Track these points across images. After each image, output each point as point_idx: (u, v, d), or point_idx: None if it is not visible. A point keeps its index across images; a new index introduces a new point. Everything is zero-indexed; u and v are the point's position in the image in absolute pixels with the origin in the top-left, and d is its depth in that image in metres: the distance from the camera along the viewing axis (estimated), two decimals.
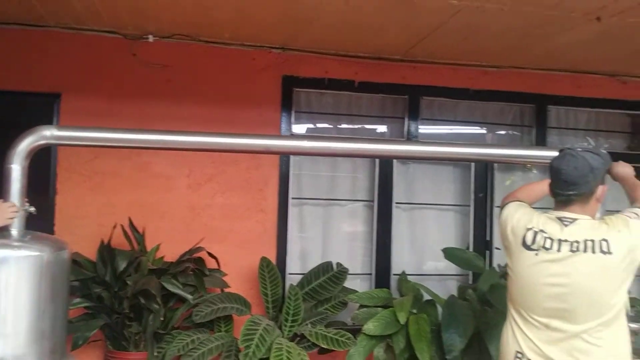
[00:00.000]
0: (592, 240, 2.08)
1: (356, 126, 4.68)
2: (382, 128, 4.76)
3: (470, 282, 4.55)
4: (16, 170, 2.53)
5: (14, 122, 3.82)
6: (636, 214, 2.15)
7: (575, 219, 2.15)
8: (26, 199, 2.58)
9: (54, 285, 2.47)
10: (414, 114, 4.59)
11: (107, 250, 3.92)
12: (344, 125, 4.67)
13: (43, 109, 4.17)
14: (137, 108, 4.19)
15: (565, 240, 2.11)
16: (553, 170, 2.22)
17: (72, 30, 4.08)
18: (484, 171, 4.65)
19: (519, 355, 2.18)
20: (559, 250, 2.11)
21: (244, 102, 4.34)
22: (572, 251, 2.10)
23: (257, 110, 4.36)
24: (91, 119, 4.06)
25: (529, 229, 2.21)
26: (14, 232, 2.50)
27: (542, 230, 2.18)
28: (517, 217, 2.29)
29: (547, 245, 2.14)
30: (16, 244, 2.45)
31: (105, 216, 4.13)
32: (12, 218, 2.46)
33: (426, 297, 4.16)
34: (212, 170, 4.30)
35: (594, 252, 2.06)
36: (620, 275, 2.07)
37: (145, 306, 3.78)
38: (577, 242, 2.10)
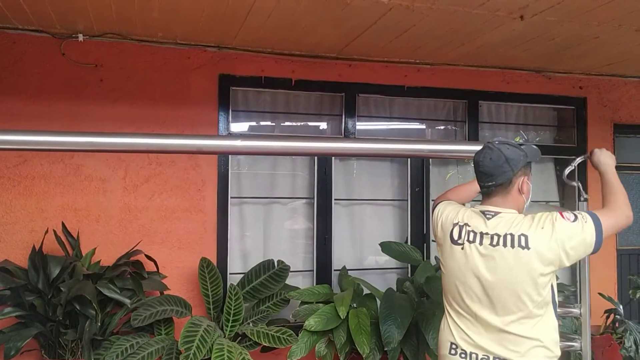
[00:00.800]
0: (512, 235, 2.11)
1: (296, 124, 4.70)
2: (321, 125, 4.79)
3: (409, 275, 4.65)
4: None
5: None
6: (575, 217, 2.11)
7: (497, 212, 2.20)
8: None
9: None
10: (351, 111, 4.65)
11: (39, 257, 3.79)
12: (283, 123, 4.68)
13: None
14: (69, 109, 4.08)
15: (487, 234, 2.16)
16: (474, 163, 2.30)
17: None
18: (420, 166, 4.76)
19: (453, 346, 2.24)
20: (481, 243, 2.16)
21: (181, 101, 4.28)
22: (492, 245, 2.14)
23: (194, 109, 4.31)
24: (18, 121, 3.94)
25: (455, 224, 2.27)
26: None
27: (466, 224, 2.23)
28: (446, 214, 2.35)
29: (471, 238, 2.19)
30: None
31: (36, 221, 4.01)
32: None
33: (366, 291, 4.22)
34: (148, 171, 4.23)
35: (512, 246, 2.10)
36: (539, 269, 2.08)
37: (80, 312, 3.69)
38: (498, 235, 2.13)
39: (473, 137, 4.90)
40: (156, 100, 4.25)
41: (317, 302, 4.07)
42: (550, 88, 5.12)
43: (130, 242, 4.12)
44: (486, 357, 2.15)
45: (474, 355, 2.18)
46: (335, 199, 4.61)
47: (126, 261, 3.99)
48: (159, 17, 3.69)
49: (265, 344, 3.80)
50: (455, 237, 2.25)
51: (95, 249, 4.04)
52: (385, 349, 3.73)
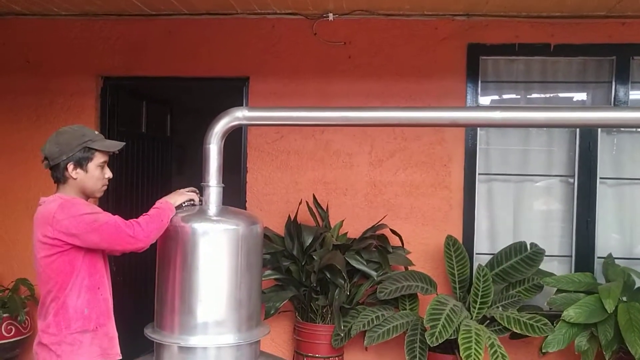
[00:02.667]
0: None
1: (549, 95, 4.27)
2: (581, 95, 4.28)
3: None
4: (213, 150, 2.65)
5: (208, 106, 4.14)
6: None
7: None
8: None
9: (248, 256, 2.56)
10: (623, 77, 4.04)
11: (294, 226, 4.06)
12: (535, 95, 4.29)
13: (233, 92, 4.42)
14: (319, 86, 4.26)
15: None
16: None
17: (257, 15, 4.25)
18: None
19: None
20: None
21: (426, 74, 4.18)
22: None
23: (440, 82, 4.17)
24: (276, 99, 4.24)
25: None
26: (213, 207, 2.64)
27: None
28: None
29: None
30: (215, 218, 2.58)
31: (291, 193, 4.28)
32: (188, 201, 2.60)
33: (639, 283, 3.68)
34: (393, 146, 4.23)
35: None
36: None
37: (331, 281, 3.85)
38: None
39: None
40: (402, 74, 4.20)
41: (576, 292, 3.67)
42: None
43: (375, 216, 4.16)
44: None
45: None
46: (600, 178, 4.08)
47: (372, 234, 4.04)
48: None
49: (515, 331, 3.56)
50: None
51: (342, 221, 4.17)
52: None
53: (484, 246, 4.24)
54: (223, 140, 2.70)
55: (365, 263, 3.89)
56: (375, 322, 3.74)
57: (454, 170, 4.17)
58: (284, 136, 4.30)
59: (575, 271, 4.02)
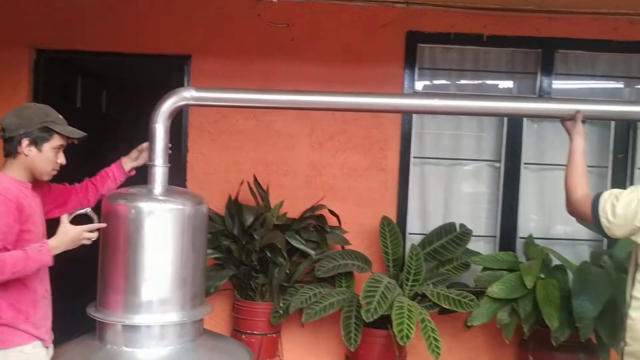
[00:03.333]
0: None
1: (478, 82, 4.48)
2: (508, 84, 4.52)
3: (605, 248, 4.27)
4: (160, 130, 2.68)
5: (147, 83, 4.07)
6: None
7: None
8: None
9: (194, 236, 2.62)
10: (548, 69, 4.30)
11: (234, 206, 4.09)
12: (466, 82, 4.48)
13: (174, 70, 4.37)
14: (262, 68, 4.27)
15: None
16: None
17: None
18: (626, 130, 4.28)
19: None
20: None
21: (367, 59, 4.28)
22: None
23: (380, 67, 4.28)
24: (218, 79, 4.20)
25: None
26: (159, 187, 2.67)
27: None
28: None
29: None
30: (161, 197, 2.61)
31: (232, 173, 4.30)
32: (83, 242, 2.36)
33: (555, 262, 3.98)
34: (333, 129, 4.32)
35: None
36: None
37: (271, 259, 3.93)
38: None
39: None
40: (343, 58, 4.28)
41: (499, 269, 3.92)
42: None
43: (314, 196, 4.26)
44: None
45: None
46: (524, 163, 4.35)
47: (311, 215, 4.13)
48: None
49: (444, 306, 3.76)
50: None
51: (283, 201, 4.24)
52: (577, 324, 3.49)
53: (417, 226, 4.43)
54: (170, 120, 2.72)
55: (304, 242, 3.99)
56: (312, 299, 3.85)
57: (390, 153, 4.32)
58: (225, 116, 4.30)
59: (500, 250, 4.26)
